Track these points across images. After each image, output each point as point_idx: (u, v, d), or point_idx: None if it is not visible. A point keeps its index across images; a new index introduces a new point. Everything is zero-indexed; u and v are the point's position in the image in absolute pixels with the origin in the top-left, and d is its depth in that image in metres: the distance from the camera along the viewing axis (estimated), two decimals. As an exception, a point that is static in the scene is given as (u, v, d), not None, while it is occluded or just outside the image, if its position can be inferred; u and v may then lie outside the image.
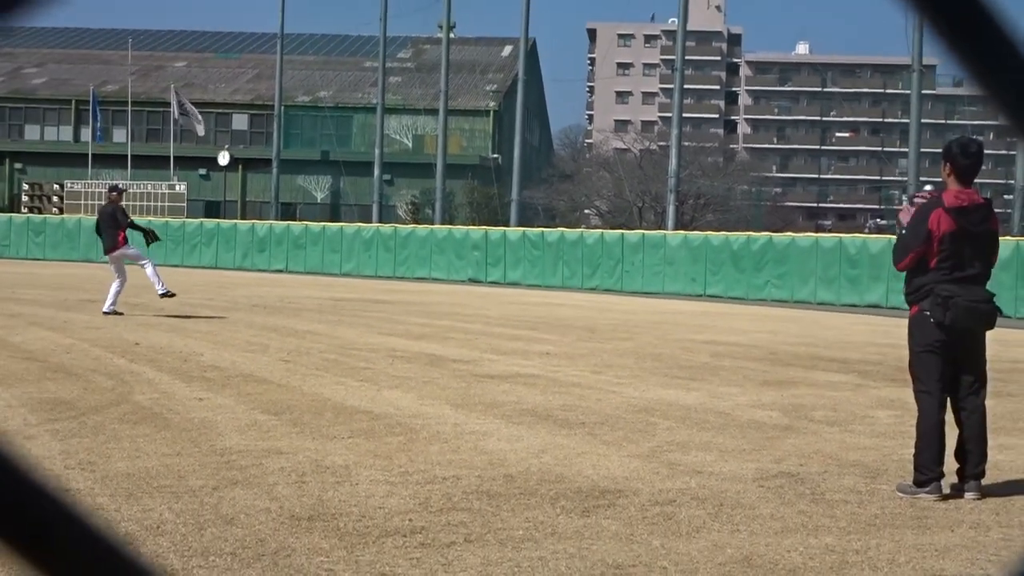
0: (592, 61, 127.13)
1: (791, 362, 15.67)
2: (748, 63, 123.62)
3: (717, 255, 36.18)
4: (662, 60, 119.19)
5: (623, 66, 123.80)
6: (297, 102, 67.88)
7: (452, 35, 56.44)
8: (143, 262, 19.53)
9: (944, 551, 5.94)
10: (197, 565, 5.24)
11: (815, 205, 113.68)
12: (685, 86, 50.28)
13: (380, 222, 51.36)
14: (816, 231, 61.76)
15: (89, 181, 59.94)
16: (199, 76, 72.24)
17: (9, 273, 34.14)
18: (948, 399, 7.33)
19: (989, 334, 7.43)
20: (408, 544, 5.70)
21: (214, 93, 70.00)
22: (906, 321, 7.58)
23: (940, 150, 7.52)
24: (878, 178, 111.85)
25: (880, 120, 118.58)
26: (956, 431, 7.36)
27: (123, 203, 20.37)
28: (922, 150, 44.18)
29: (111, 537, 0.66)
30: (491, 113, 68.14)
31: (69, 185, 59.94)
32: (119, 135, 67.40)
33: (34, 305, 21.51)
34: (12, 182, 68.23)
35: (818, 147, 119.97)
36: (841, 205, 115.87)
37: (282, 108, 62.18)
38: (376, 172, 55.80)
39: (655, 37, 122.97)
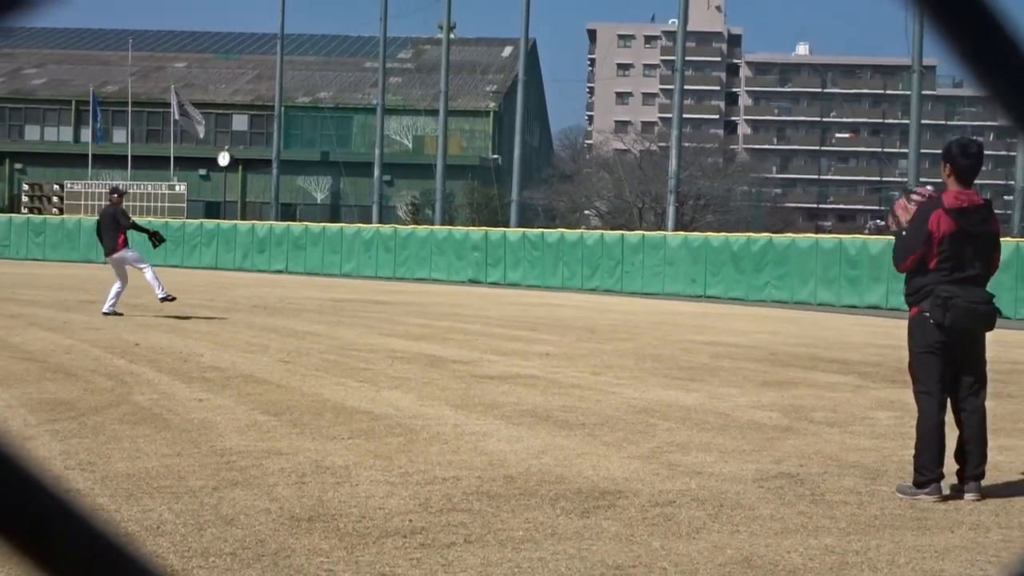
0: (592, 62, 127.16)
1: (791, 363, 15.67)
2: (748, 64, 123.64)
3: (717, 256, 36.18)
4: (662, 61, 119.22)
5: (623, 67, 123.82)
6: (297, 103, 67.89)
7: (452, 36, 56.46)
8: (143, 266, 19.44)
9: (944, 552, 5.94)
10: (197, 565, 5.24)
11: (815, 206, 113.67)
12: (685, 87, 50.29)
13: (380, 223, 51.35)
14: (816, 232, 61.79)
15: (89, 182, 59.96)
16: (199, 77, 72.25)
17: (9, 274, 34.14)
18: (948, 400, 7.33)
19: (989, 335, 7.43)
20: (408, 545, 5.70)
21: (214, 94, 70.01)
22: (906, 322, 7.58)
23: (940, 151, 7.52)
24: (878, 179, 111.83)
25: (880, 121, 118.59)
26: (956, 432, 7.36)
27: (124, 205, 20.34)
28: (922, 151, 44.19)
29: (111, 534, 0.66)
30: (491, 114, 68.15)
31: (69, 185, 59.95)
32: (119, 136, 67.41)
33: (34, 306, 21.50)
34: (12, 182, 68.25)
35: (818, 148, 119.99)
36: (841, 206, 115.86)
37: (282, 109, 62.19)
38: (376, 173, 55.81)
39: (655, 38, 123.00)
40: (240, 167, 66.84)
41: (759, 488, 7.32)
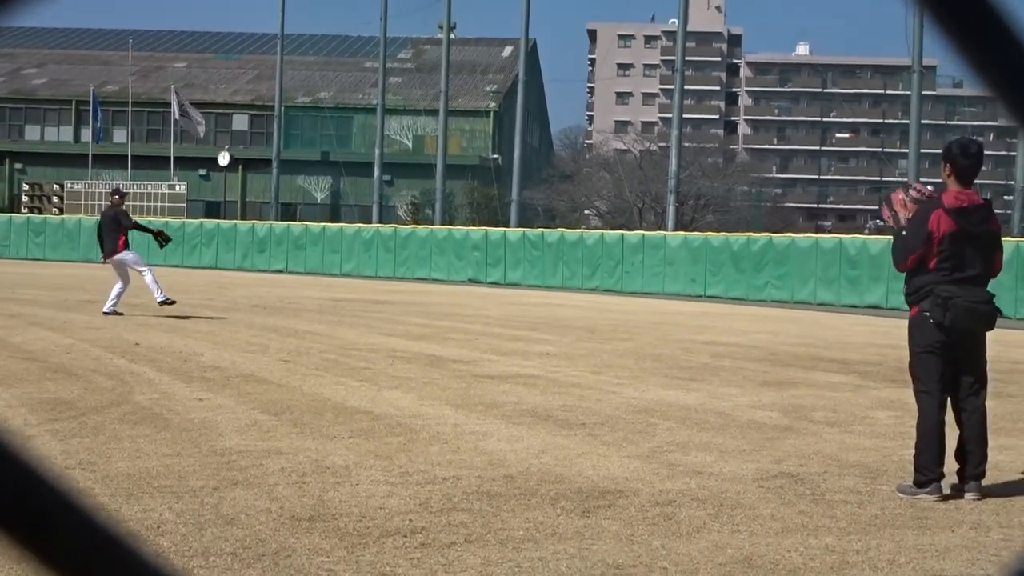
0: (592, 62, 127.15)
1: (791, 363, 15.67)
2: (748, 64, 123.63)
3: (717, 256, 36.18)
4: (662, 61, 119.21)
5: (623, 67, 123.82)
6: (297, 103, 67.88)
7: (452, 36, 56.44)
8: (142, 268, 19.37)
9: (944, 551, 5.94)
10: (197, 565, 5.24)
11: (815, 206, 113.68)
12: (685, 87, 50.28)
13: (380, 223, 51.35)
14: (816, 232, 61.79)
15: (89, 181, 59.95)
16: (199, 76, 72.25)
17: (9, 273, 34.14)
18: (948, 400, 7.33)
19: (989, 335, 7.43)
20: (408, 544, 5.70)
21: (214, 94, 70.00)
22: (906, 322, 7.58)
23: (940, 151, 7.52)
24: (878, 179, 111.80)
25: (880, 121, 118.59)
26: (956, 432, 7.36)
27: (125, 206, 20.31)
28: (922, 151, 44.21)
29: (112, 529, 0.66)
30: (491, 114, 68.14)
31: (69, 185, 59.95)
32: (119, 135, 67.40)
33: (34, 305, 21.50)
34: (12, 182, 68.24)
35: (818, 148, 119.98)
36: (841, 206, 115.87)
37: (282, 108, 62.18)
38: (376, 172, 55.81)
39: (655, 38, 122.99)
40: (240, 167, 66.83)
41: (759, 488, 7.32)
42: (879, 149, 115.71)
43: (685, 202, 58.99)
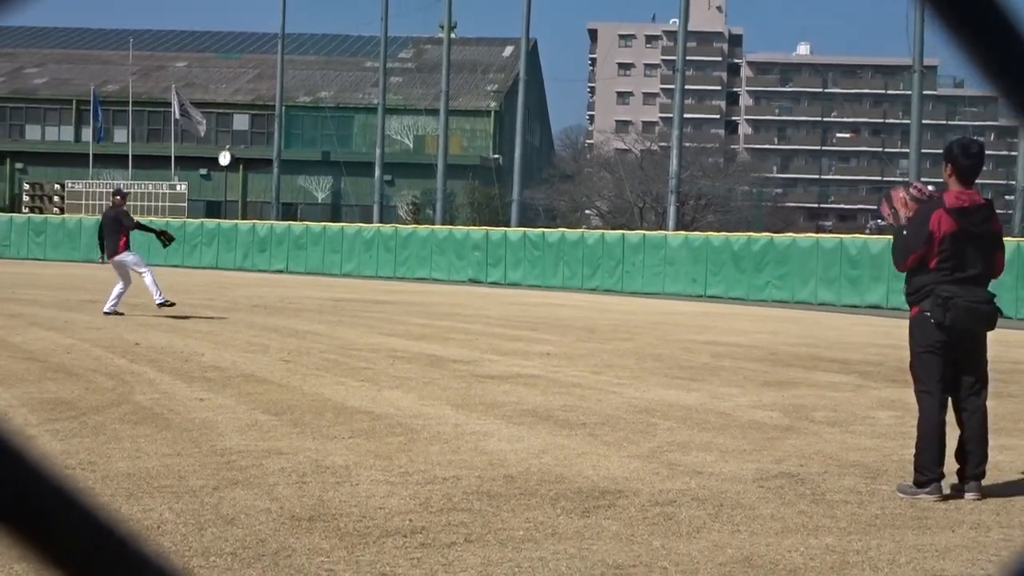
0: (593, 61, 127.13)
1: (792, 363, 15.67)
2: (749, 64, 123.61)
3: (718, 256, 36.18)
4: (663, 60, 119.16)
5: (624, 66, 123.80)
6: (298, 102, 67.88)
7: (453, 35, 56.45)
8: (142, 270, 19.36)
9: (945, 551, 5.94)
10: (198, 565, 5.25)
11: (816, 206, 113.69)
12: (686, 87, 50.28)
13: (381, 222, 51.35)
14: (817, 232, 61.79)
15: (90, 181, 59.97)
16: (200, 76, 72.25)
17: (10, 273, 34.15)
18: (949, 400, 7.33)
19: (990, 335, 7.43)
20: (408, 544, 5.70)
21: (215, 93, 70.00)
22: (907, 322, 7.58)
23: (941, 151, 7.52)
24: (879, 179, 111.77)
25: (881, 121, 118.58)
26: (957, 432, 7.36)
27: (126, 206, 20.31)
28: (923, 151, 44.20)
29: (114, 527, 0.66)
30: (492, 113, 68.14)
31: (70, 185, 59.97)
32: (120, 135, 67.39)
33: (35, 305, 21.51)
34: (13, 182, 68.24)
35: (819, 148, 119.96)
36: (842, 206, 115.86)
37: (283, 108, 62.18)
38: (377, 172, 55.81)
39: (656, 37, 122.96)
40: (241, 167, 66.84)
41: (759, 488, 7.32)
42: (880, 149, 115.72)
43: (686, 202, 58.99)
